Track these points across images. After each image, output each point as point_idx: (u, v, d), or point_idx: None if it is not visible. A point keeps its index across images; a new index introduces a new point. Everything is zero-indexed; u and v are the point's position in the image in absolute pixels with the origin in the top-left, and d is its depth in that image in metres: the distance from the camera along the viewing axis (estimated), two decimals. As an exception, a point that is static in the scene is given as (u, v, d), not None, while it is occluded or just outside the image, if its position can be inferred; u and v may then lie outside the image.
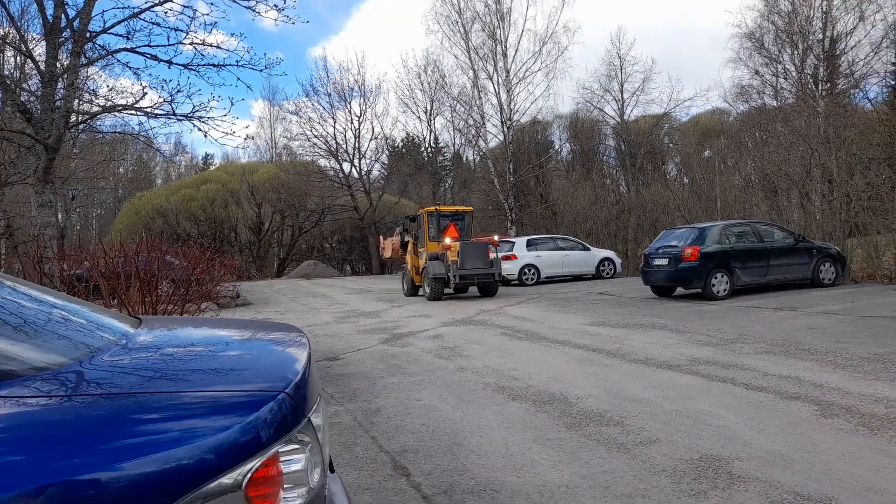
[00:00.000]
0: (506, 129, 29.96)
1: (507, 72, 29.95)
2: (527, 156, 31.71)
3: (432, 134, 38.09)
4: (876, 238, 15.67)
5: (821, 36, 27.17)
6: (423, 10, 53.28)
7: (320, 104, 36.73)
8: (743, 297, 12.38)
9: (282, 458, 1.49)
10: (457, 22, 30.60)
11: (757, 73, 29.75)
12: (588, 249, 20.01)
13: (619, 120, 35.17)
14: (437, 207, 16.89)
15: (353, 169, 37.37)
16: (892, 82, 29.31)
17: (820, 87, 27.80)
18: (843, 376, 5.66)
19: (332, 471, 2.02)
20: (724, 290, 12.31)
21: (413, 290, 17.46)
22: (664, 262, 12.86)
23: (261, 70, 9.21)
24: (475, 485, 3.59)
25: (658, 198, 24.28)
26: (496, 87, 30.19)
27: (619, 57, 33.81)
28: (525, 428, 4.65)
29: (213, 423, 1.42)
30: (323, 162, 38.50)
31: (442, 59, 45.59)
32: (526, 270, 18.67)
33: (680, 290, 13.46)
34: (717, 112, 37.06)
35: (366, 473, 3.87)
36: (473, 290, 16.66)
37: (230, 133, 9.34)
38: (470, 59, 30.63)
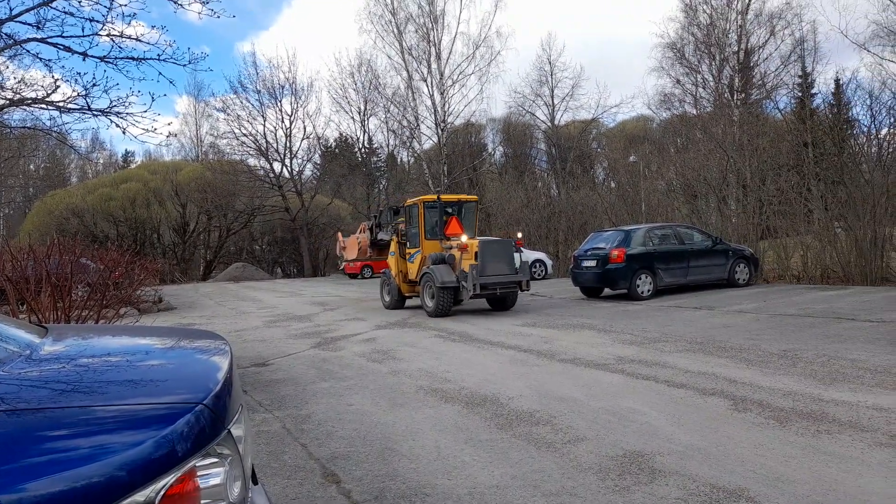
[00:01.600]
0: (440, 130, 30.11)
1: (442, 74, 30.14)
2: (461, 158, 32.01)
3: (366, 134, 37.85)
4: (785, 240, 16.75)
5: (736, 48, 28.80)
6: (357, 9, 52.68)
7: (249, 102, 35.79)
8: (666, 296, 12.93)
9: (199, 473, 1.43)
10: (390, 22, 30.54)
11: (678, 82, 31.22)
12: (520, 252, 20.36)
13: (549, 124, 36.05)
14: (439, 195, 12.96)
15: (284, 169, 36.60)
16: (800, 94, 31.43)
17: (735, 97, 29.44)
18: (756, 372, 6.00)
19: (256, 482, 1.95)
20: (649, 291, 12.82)
21: (399, 302, 13.48)
22: (592, 263, 13.27)
23: (184, 65, 8.80)
24: (406, 489, 3.57)
25: (587, 201, 25.04)
26: (430, 88, 30.32)
27: (550, 63, 34.67)
28: (457, 430, 4.66)
29: (126, 438, 1.35)
30: (252, 161, 37.50)
31: (376, 58, 45.41)
32: (460, 272, 18.85)
33: (607, 291, 13.91)
34: (642, 119, 38.63)
35: (294, 482, 3.77)
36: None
37: (151, 130, 8.89)
38: (404, 59, 30.63)
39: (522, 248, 13.10)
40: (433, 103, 30.21)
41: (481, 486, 3.57)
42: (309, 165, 40.22)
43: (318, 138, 38.69)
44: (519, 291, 12.14)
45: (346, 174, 38.02)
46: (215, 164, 38.60)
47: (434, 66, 30.10)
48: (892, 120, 22.46)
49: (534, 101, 35.56)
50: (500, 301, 12.45)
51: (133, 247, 30.21)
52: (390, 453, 4.22)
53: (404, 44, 30.41)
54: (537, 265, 20.29)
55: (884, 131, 21.96)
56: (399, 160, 43.08)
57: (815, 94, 31.84)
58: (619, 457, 3.92)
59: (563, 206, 26.12)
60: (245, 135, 35.30)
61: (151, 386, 1.71)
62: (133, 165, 56.56)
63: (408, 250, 13.14)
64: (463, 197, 13.70)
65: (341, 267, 26.74)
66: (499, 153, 40.01)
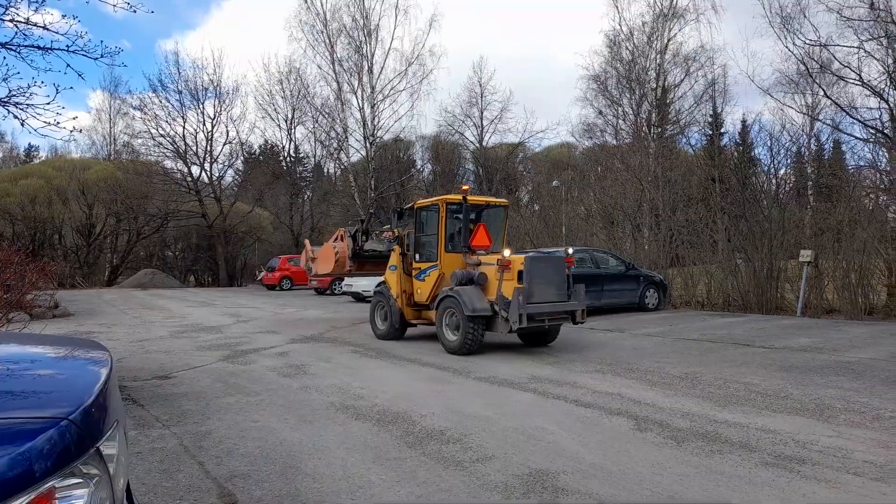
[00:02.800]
0: (369, 144, 29.98)
1: (373, 88, 30.08)
2: (388, 173, 31.95)
3: (292, 143, 37.12)
4: (692, 269, 17.71)
5: (654, 85, 30.42)
6: (287, 16, 51.71)
7: (169, 101, 34.29)
8: (580, 318, 13.29)
9: (58, 494, 1.30)
10: (322, 32, 30.24)
11: (601, 113, 32.59)
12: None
13: (478, 145, 36.71)
14: (465, 196, 9.59)
15: (203, 173, 35.18)
16: (710, 132, 33.59)
17: (652, 131, 31.03)
18: (658, 393, 6.25)
19: (132, 505, 1.80)
20: (564, 312, 13.18)
21: (399, 330, 10.38)
22: (512, 283, 13.50)
23: (96, 59, 8.28)
24: (307, 510, 3.44)
25: (511, 222, 25.54)
26: (360, 101, 30.18)
27: (480, 85, 35.42)
28: (366, 448, 4.56)
29: (-23, 454, 1.21)
30: (169, 163, 35.86)
31: (306, 67, 44.75)
32: (381, 287, 18.66)
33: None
34: (566, 145, 40.03)
35: (186, 503, 3.55)
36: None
37: (53, 124, 8.26)
38: (334, 70, 30.36)
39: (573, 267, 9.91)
40: (363, 116, 30.08)
41: (385, 507, 3.49)
42: (230, 171, 38.93)
43: (242, 144, 37.55)
44: (571, 323, 9.28)
45: (270, 182, 37.04)
46: (128, 164, 36.57)
47: (365, 79, 30.03)
48: (788, 161, 24.39)
49: (463, 122, 36.18)
50: (541, 336, 9.66)
51: (30, 247, 28.06)
52: (294, 472, 4.07)
53: (336, 55, 30.19)
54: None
55: (782, 171, 23.84)
56: (326, 171, 42.50)
57: (724, 132, 34.15)
58: (525, 475, 3.95)
59: (487, 225, 26.51)
60: (163, 135, 33.77)
61: (11, 399, 1.55)
62: (36, 161, 52.75)
63: (416, 264, 10.03)
64: (491, 200, 10.63)
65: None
66: (427, 170, 40.32)
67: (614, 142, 32.08)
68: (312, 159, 40.66)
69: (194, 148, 34.70)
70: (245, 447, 4.61)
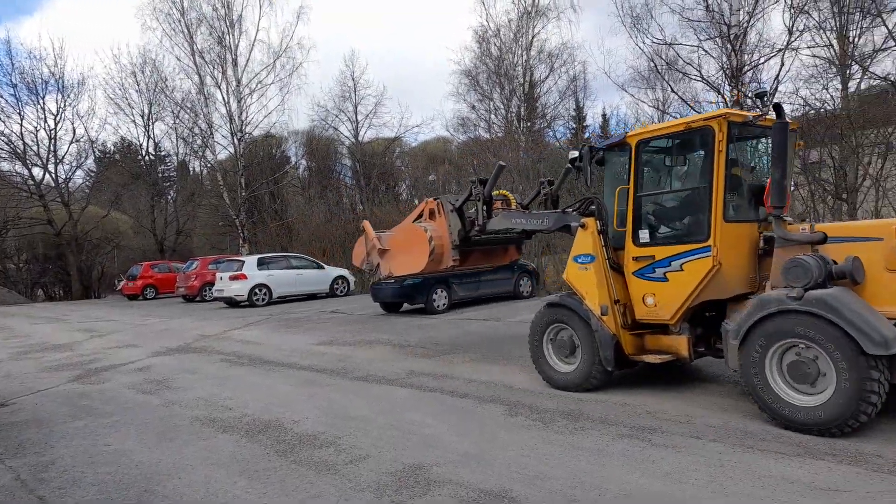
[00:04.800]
0: (237, 140, 28.56)
1: (238, 81, 28.66)
2: (261, 170, 30.63)
3: (151, 140, 34.46)
4: (562, 256, 18.70)
5: (522, 80, 31.65)
6: (139, 3, 47.91)
7: (2, 97, 30.55)
8: (458, 309, 13.57)
9: None
10: (179, 21, 28.31)
11: (473, 107, 33.38)
12: (322, 268, 20.03)
13: (353, 140, 36.21)
14: (775, 105, 5.11)
15: (48, 175, 31.76)
16: (574, 125, 35.58)
17: (522, 125, 32.29)
18: (529, 377, 6.48)
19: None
20: (444, 305, 13.37)
21: (609, 372, 5.61)
22: (392, 279, 13.47)
23: None
24: (163, 537, 3.19)
25: (390, 217, 25.51)
26: (225, 95, 28.64)
27: (353, 79, 34.90)
28: (233, 461, 4.33)
29: None
30: (6, 165, 31.97)
31: (163, 59, 41.68)
32: (257, 290, 17.88)
33: (406, 306, 14.22)
34: (442, 140, 40.59)
35: (19, 547, 3.17)
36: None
37: None
38: (195, 62, 28.56)
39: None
40: (229, 111, 28.59)
41: (251, 522, 3.33)
42: (80, 172, 35.50)
43: (92, 142, 34.26)
44: None
45: (128, 183, 34.17)
46: (-45, 167, 32.16)
47: (230, 72, 28.53)
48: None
49: (337, 116, 35.47)
50: None
51: None
52: (150, 496, 3.77)
53: (196, 46, 28.39)
54: (339, 281, 20.12)
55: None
56: (192, 170, 39.98)
57: (587, 125, 36.30)
58: (399, 471, 3.93)
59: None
60: (-5, 134, 30.04)
61: None
62: None
63: (638, 250, 5.53)
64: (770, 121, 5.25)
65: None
66: (302, 167, 39.20)
67: (487, 136, 32.98)
68: (175, 157, 38.04)
69: (35, 148, 31.20)
70: (94, 475, 4.20)
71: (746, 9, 17.40)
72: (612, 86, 58.35)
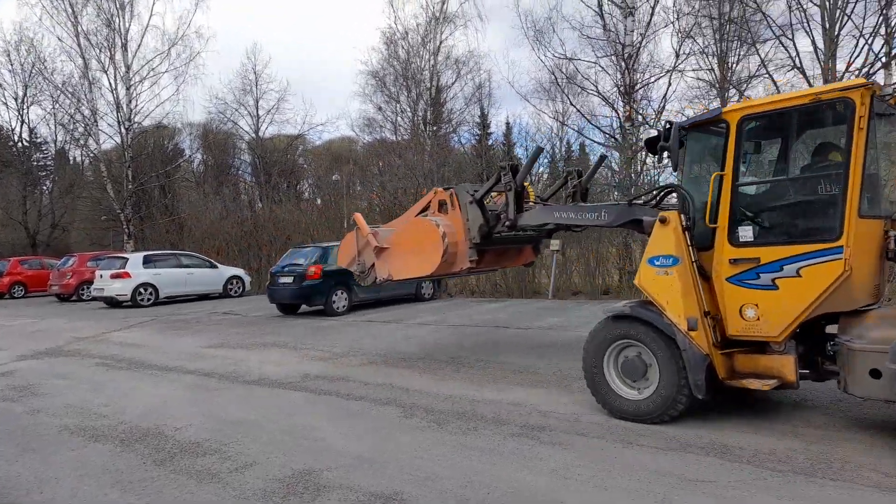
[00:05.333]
0: (124, 130, 26.64)
1: (128, 67, 26.74)
2: (150, 162, 28.76)
3: (25, 126, 31.48)
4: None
5: (429, 85, 31.88)
6: (18, -25, 43.65)
7: None
8: (360, 311, 13.40)
9: None
10: (62, -1, 26.04)
11: (380, 108, 33.23)
12: (216, 267, 19.10)
13: (254, 136, 34.91)
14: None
15: None
16: (479, 132, 36.31)
17: (428, 129, 32.51)
18: (427, 379, 6.52)
19: None
20: (344, 306, 13.16)
21: (693, 399, 4.48)
22: (289, 279, 13.09)
23: None
24: (16, 559, 2.89)
25: (290, 216, 24.79)
26: (112, 81, 26.65)
27: (255, 73, 33.64)
28: (104, 472, 4.01)
29: None
30: None
31: (42, 38, 38.23)
32: (141, 290, 16.71)
33: (305, 308, 13.86)
34: (347, 139, 40.06)
35: None
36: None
37: None
38: (79, 45, 26.33)
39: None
40: (116, 98, 26.56)
41: (120, 538, 3.09)
42: (-62, 157, 31.68)
43: (-46, 124, 30.79)
44: None
45: (-3, 171, 31.00)
46: None
47: (119, 56, 26.55)
48: (546, 159, 27.54)
49: (237, 110, 34.01)
50: None
51: None
52: (3, 515, 3.41)
53: (81, 27, 26.21)
54: (234, 282, 19.27)
55: (540, 169, 26.82)
56: (73, 159, 36.87)
57: (491, 132, 37.17)
58: (287, 478, 3.81)
59: (265, 220, 25.41)
60: None
61: None
62: None
63: (736, 250, 4.55)
64: None
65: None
66: (197, 160, 37.24)
67: (394, 137, 32.94)
68: (53, 145, 34.96)
69: None
70: (-64, 494, 3.75)
71: (639, 30, 18.52)
72: (515, 95, 60.17)
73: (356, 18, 56.70)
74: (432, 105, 32.57)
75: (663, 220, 4.67)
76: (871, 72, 14.09)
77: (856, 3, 13.97)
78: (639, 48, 18.59)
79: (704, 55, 18.31)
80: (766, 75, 16.01)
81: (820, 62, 14.62)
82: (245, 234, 24.20)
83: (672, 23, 18.47)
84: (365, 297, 13.79)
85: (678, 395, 4.45)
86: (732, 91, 17.89)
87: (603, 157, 6.84)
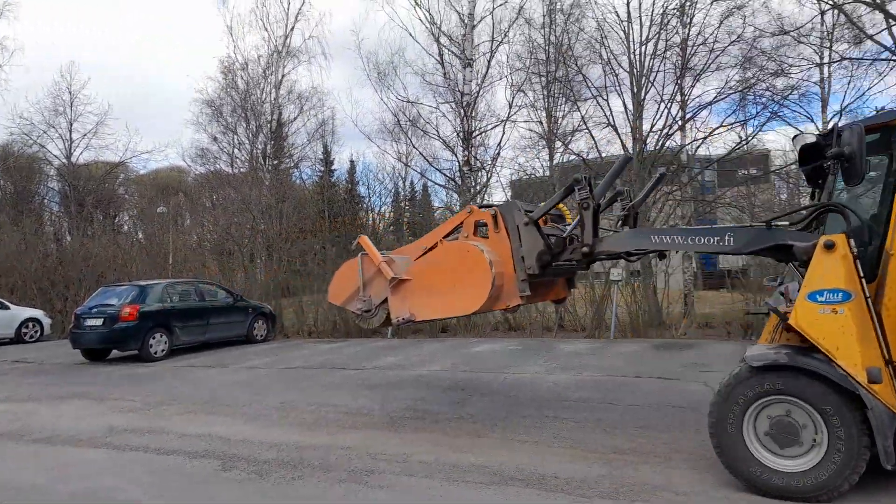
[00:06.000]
0: None
1: None
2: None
3: None
4: (302, 299, 18.37)
5: (270, 118, 31.06)
6: None
7: None
8: (182, 356, 12.32)
9: None
10: None
11: (215, 139, 31.61)
12: (7, 308, 16.55)
13: (65, 161, 31.30)
14: None
15: None
16: (321, 168, 35.92)
17: (267, 163, 31.51)
18: (252, 427, 6.11)
19: None
20: (163, 350, 12.00)
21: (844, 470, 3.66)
22: (98, 322, 11.69)
23: None
24: None
25: (105, 251, 22.37)
26: None
27: (70, 93, 30.36)
28: None
29: None
30: None
31: None
32: None
33: (116, 353, 12.44)
34: (177, 169, 37.40)
35: None
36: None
37: None
38: None
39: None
40: None
41: None
42: None
43: None
44: None
45: None
46: None
47: None
48: (388, 200, 28.00)
49: (46, 132, 30.36)
50: None
51: None
52: None
53: None
54: (30, 325, 16.82)
55: (384, 208, 27.16)
56: None
57: (335, 170, 36.97)
58: (73, 553, 3.30)
59: (75, 255, 22.66)
60: None
61: None
62: None
63: None
64: None
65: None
66: (-7, 186, 32.39)
67: (229, 170, 31.45)
68: None
69: None
70: None
71: (477, 81, 19.74)
72: (359, 134, 60.72)
73: (190, 45, 53.99)
74: (273, 139, 31.77)
75: (830, 246, 3.73)
76: (670, 133, 16.31)
77: (657, 72, 16.19)
78: (476, 97, 19.78)
79: (535, 108, 19.99)
80: (586, 130, 17.86)
81: (629, 121, 16.63)
82: (47, 271, 21.36)
83: (506, 76, 19.99)
84: (188, 339, 12.77)
85: (856, 465, 3.57)
86: (559, 143, 19.68)
87: (663, 175, 6.15)
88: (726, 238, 4.45)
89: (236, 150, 32.32)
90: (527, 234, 5.17)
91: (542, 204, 5.42)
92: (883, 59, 14.47)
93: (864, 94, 15.46)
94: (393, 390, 7.79)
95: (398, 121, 21.73)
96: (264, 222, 22.47)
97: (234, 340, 14.04)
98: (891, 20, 12.92)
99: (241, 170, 30.93)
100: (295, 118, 32.08)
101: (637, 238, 5.12)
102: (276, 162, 32.30)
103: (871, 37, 14.13)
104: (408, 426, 5.87)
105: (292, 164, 33.40)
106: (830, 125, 3.84)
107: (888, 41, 14.01)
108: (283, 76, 29.80)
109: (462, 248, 5.31)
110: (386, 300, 5.53)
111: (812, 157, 4.08)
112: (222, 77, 30.26)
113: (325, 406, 6.95)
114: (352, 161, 37.84)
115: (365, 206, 30.00)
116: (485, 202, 5.85)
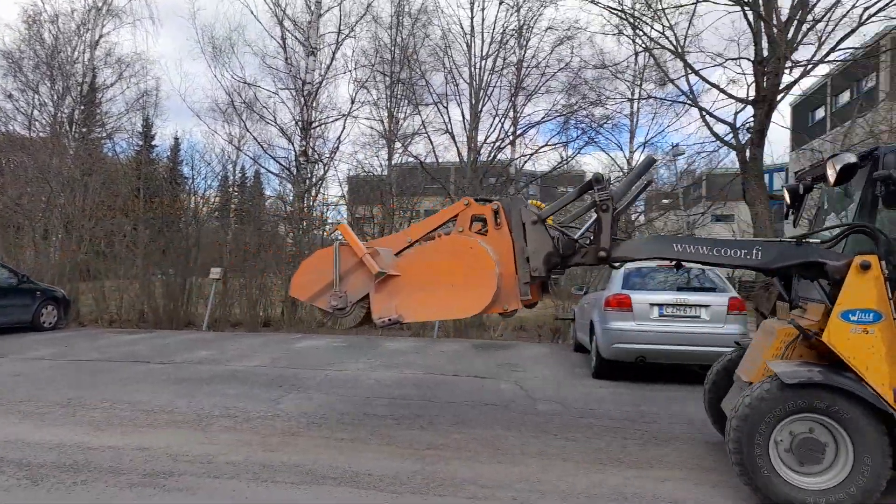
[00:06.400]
0: None
1: None
2: None
3: None
4: (105, 283, 16.50)
5: (81, 80, 27.54)
6: None
7: None
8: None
9: None
10: None
11: (10, 96, 27.30)
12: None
13: None
14: None
15: None
16: (140, 143, 32.59)
17: (74, 129, 27.92)
18: (28, 426, 5.35)
19: None
20: (-82, 336, 10.09)
21: None
22: None
23: None
24: None
25: None
26: None
27: None
28: None
29: None
30: None
31: None
32: None
33: None
34: (-47, 126, 31.65)
35: None
36: None
37: None
38: None
39: None
40: None
41: None
42: None
43: None
44: None
45: None
46: None
47: None
48: (215, 184, 26.20)
49: None
50: None
51: None
52: None
53: None
54: None
55: (208, 192, 25.33)
56: None
57: (156, 145, 33.81)
58: None
59: None
60: None
61: None
62: None
63: None
64: None
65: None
66: None
67: (27, 133, 27.37)
68: None
69: None
70: None
71: (320, 71, 19.29)
72: (187, 110, 56.32)
73: (-15, -19, 45.95)
74: (84, 104, 28.31)
75: (865, 267, 3.84)
76: (501, 146, 17.31)
77: (494, 88, 17.10)
78: (318, 87, 19.34)
79: (377, 107, 20.03)
80: (426, 134, 18.31)
81: (466, 131, 17.38)
82: None
83: (350, 71, 19.79)
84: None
85: (879, 484, 3.65)
86: (399, 144, 19.91)
87: (648, 184, 5.68)
88: (754, 252, 4.42)
89: (36, 112, 28.27)
90: (534, 232, 4.81)
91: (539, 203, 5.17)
92: (680, 102, 16.75)
93: (664, 130, 17.88)
94: (203, 386, 7.31)
95: (232, 101, 20.59)
96: (65, 196, 19.85)
97: (16, 327, 12.24)
98: (688, 69, 14.97)
99: (41, 134, 27.15)
100: (112, 84, 28.92)
101: (657, 245, 4.97)
102: (84, 129, 28.82)
103: (672, 81, 16.28)
104: (216, 425, 5.53)
105: (105, 135, 29.95)
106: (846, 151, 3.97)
107: (686, 87, 16.26)
108: (100, 36, 26.74)
109: (464, 244, 4.79)
110: (365, 297, 4.85)
111: (848, 177, 4.07)
112: (25, 27, 26.33)
113: (121, 403, 6.30)
114: (176, 138, 35.02)
115: (188, 187, 27.81)
116: (480, 196, 5.34)
